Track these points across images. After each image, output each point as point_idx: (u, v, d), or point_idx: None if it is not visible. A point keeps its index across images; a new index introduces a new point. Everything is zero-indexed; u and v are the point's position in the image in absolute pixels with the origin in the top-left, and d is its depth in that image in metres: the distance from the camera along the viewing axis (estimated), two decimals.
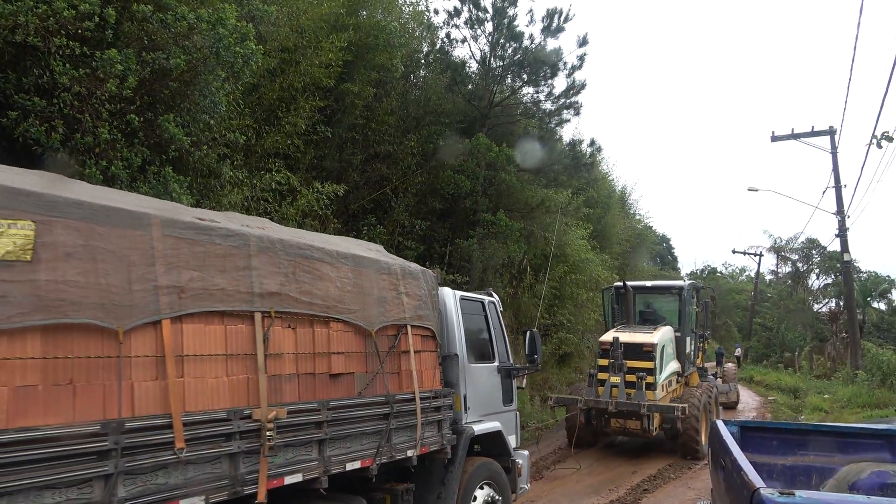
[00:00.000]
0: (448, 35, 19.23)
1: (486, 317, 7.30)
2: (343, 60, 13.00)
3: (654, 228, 43.78)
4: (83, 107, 7.14)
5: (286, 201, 11.13)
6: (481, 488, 6.53)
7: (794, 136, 22.85)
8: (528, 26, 19.40)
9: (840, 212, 22.19)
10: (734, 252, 46.56)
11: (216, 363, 3.95)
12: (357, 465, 4.87)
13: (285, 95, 12.11)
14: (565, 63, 18.94)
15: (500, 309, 7.69)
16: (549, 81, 19.44)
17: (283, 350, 4.42)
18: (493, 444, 6.96)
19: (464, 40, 19.24)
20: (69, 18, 6.51)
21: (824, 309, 41.02)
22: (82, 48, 6.88)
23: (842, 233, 22.13)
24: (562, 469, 12.08)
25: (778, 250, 43.23)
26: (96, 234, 3.37)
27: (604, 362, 13.28)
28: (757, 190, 32.44)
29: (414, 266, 6.14)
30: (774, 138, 23.24)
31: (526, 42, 18.89)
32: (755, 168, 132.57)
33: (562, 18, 18.22)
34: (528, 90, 19.98)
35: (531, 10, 20.73)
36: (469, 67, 19.78)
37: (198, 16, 7.38)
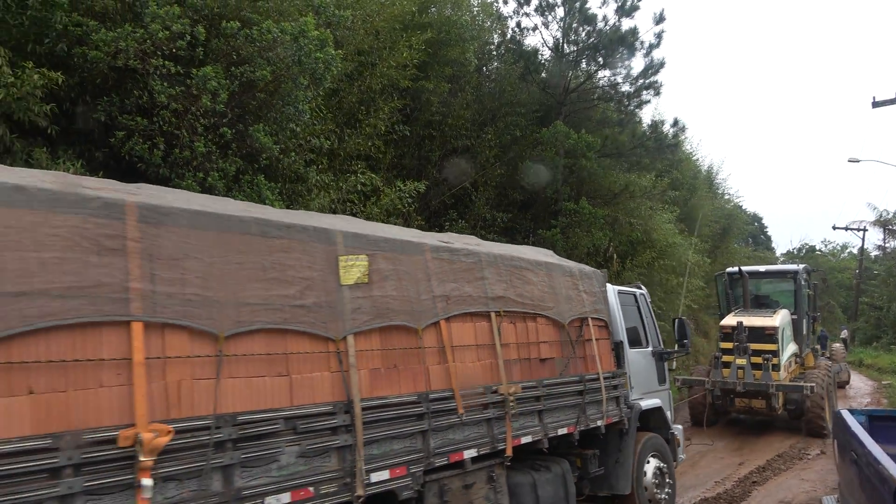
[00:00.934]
0: (518, 24, 19.01)
1: (638, 307, 8.27)
2: (417, 59, 13.10)
3: (744, 208, 41.82)
4: (180, 123, 7.51)
5: (370, 201, 11.32)
6: (651, 458, 7.55)
7: None
8: (601, 8, 18.84)
9: None
10: (835, 228, 43.52)
11: (471, 351, 5.26)
12: (565, 430, 6.13)
13: (364, 98, 12.32)
14: (642, 42, 18.33)
15: (648, 300, 8.65)
16: (626, 63, 18.90)
17: (508, 341, 5.69)
18: (655, 419, 7.94)
19: (535, 28, 18.97)
20: (163, 40, 6.85)
21: None
22: (176, 67, 7.23)
23: None
24: (693, 445, 12.71)
25: (884, 224, 40.17)
26: (399, 261, 4.74)
27: (727, 345, 13.89)
28: (858, 161, 30.16)
29: (587, 268, 7.35)
30: (876, 104, 21.65)
31: (599, 24, 18.44)
32: (854, 138, 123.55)
33: None
34: (604, 73, 19.49)
35: None
36: (542, 55, 19.48)
37: (281, 29, 7.60)
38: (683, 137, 18.75)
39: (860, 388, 21.20)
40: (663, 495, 7.58)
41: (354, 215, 10.89)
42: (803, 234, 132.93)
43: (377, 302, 4.46)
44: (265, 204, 7.69)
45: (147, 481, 2.97)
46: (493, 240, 16.31)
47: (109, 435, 2.94)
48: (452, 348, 5.03)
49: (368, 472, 4.07)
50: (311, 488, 3.73)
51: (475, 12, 17.69)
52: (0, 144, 6.68)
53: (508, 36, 19.05)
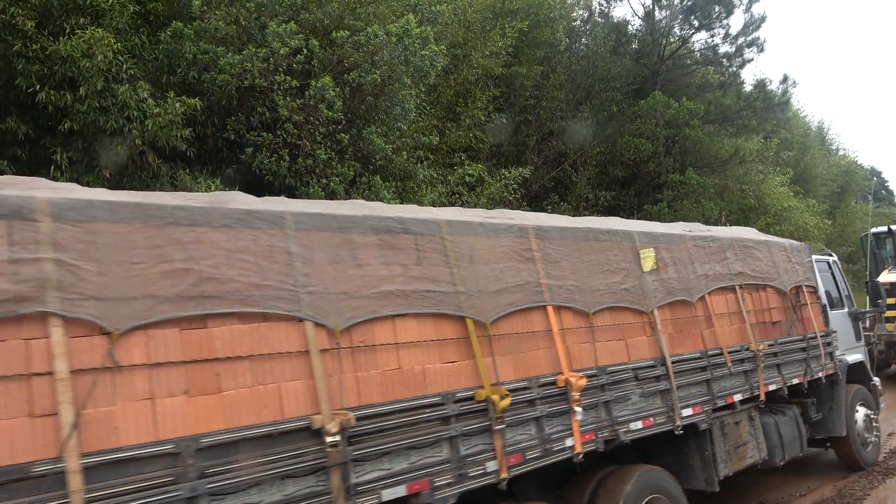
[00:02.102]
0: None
1: (832, 273, 9.13)
2: (510, 46, 13.09)
3: (860, 163, 38.85)
4: (301, 133, 7.92)
5: (475, 191, 11.47)
6: (860, 406, 8.43)
7: None
8: None
9: None
10: None
11: (726, 318, 6.36)
12: (797, 380, 7.19)
13: (461, 90, 12.48)
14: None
15: (839, 266, 9.49)
16: (724, 21, 18.02)
17: (748, 308, 6.73)
18: (858, 372, 8.81)
19: None
20: (284, 56, 7.26)
21: None
22: (295, 82, 7.63)
23: None
24: None
25: None
26: (672, 250, 5.90)
27: (892, 301, 14.23)
28: None
29: (795, 242, 8.46)
30: None
31: None
32: None
33: None
34: (699, 36, 18.70)
35: None
36: (632, 26, 18.96)
37: (386, 31, 7.85)
38: (791, 93, 17.58)
39: None
40: (872, 438, 8.61)
41: (463, 205, 11.08)
42: None
43: (665, 283, 5.71)
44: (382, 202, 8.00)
45: (578, 409, 4.45)
46: None
47: (551, 378, 4.43)
48: (715, 316, 6.24)
49: (682, 409, 5.41)
50: (651, 419, 5.14)
51: None
52: (149, 170, 7.32)
53: (596, 10, 18.65)
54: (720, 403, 5.93)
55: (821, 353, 7.79)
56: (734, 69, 18.26)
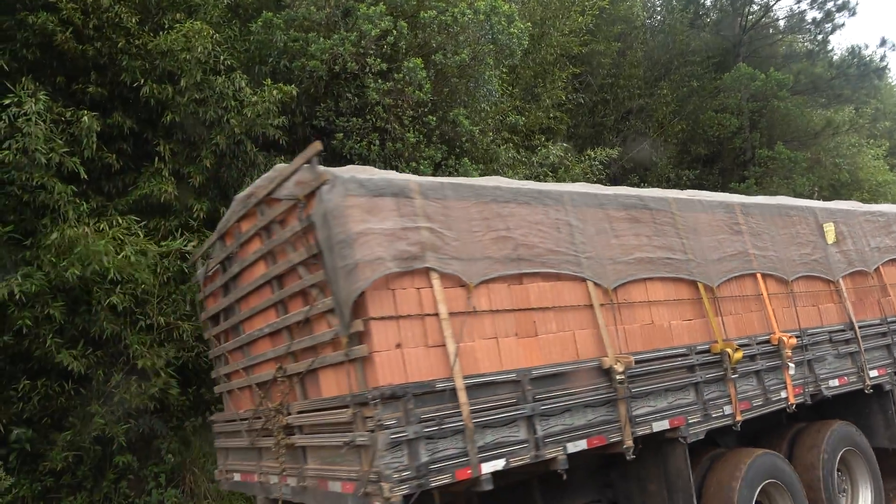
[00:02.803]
0: None
1: None
2: (586, 25, 12.74)
3: None
4: (389, 117, 7.89)
5: (559, 173, 11.21)
6: None
7: None
8: None
9: None
10: None
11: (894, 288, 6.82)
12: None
13: (539, 71, 12.22)
14: None
15: None
16: None
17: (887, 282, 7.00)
18: None
19: None
20: (374, 38, 7.24)
21: None
22: (382, 64, 7.60)
23: None
24: None
25: None
26: (848, 224, 6.39)
27: None
28: None
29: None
30: None
31: None
32: None
33: None
34: (785, 2, 17.75)
35: None
36: None
37: (474, 10, 7.72)
38: (888, 58, 16.40)
39: None
40: None
41: None
42: None
43: (846, 255, 6.20)
44: None
45: (791, 364, 5.11)
46: None
47: (765, 337, 5.14)
48: (890, 286, 6.68)
49: (869, 370, 5.87)
50: (846, 378, 5.69)
51: None
52: (246, 159, 7.44)
53: None
54: None
55: None
56: (823, 36, 17.21)
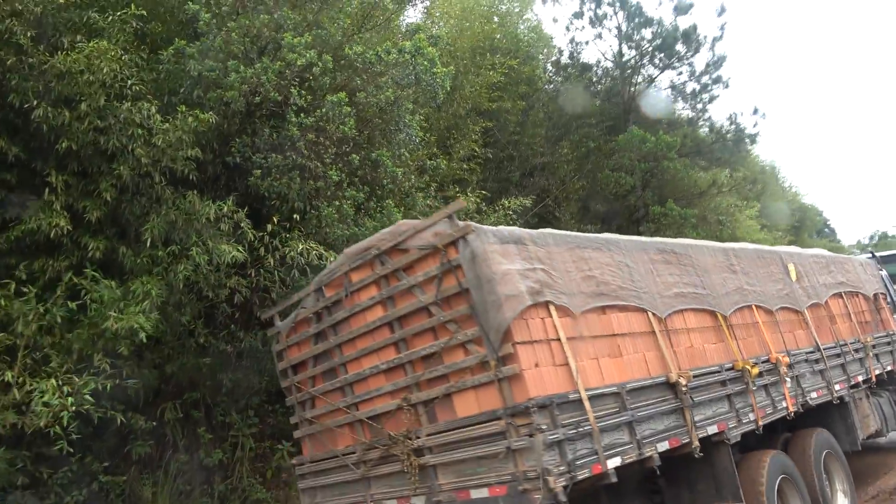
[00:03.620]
0: (573, 40, 19.03)
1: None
2: (495, 82, 13.14)
3: (805, 202, 40.45)
4: (311, 154, 7.53)
5: (475, 220, 11.17)
6: None
7: None
8: (657, 8, 18.71)
9: None
10: None
11: (841, 318, 8.29)
12: (890, 367, 8.99)
13: (452, 123, 12.34)
14: (704, 37, 18.05)
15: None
16: (690, 60, 18.58)
17: (852, 310, 8.68)
18: None
19: (588, 42, 18.99)
20: (300, 68, 6.93)
21: None
22: (307, 96, 7.29)
23: None
24: None
25: None
26: (803, 265, 7.95)
27: None
28: None
29: (864, 259, 10.64)
30: None
31: (655, 28, 18.27)
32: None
33: None
34: (668, 75, 19.24)
35: None
36: (601, 66, 19.36)
37: (399, 49, 7.64)
38: (756, 131, 18.03)
39: None
40: None
41: None
42: (870, 224, 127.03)
43: (805, 290, 7.55)
44: None
45: (788, 379, 6.18)
46: None
47: (765, 357, 6.15)
48: (836, 316, 7.98)
49: (834, 384, 7.12)
50: (821, 391, 6.81)
51: (535, 33, 17.75)
52: (152, 194, 6.79)
53: (566, 53, 19.05)
54: (852, 382, 7.57)
55: None
56: (702, 104, 18.77)
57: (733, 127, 17.42)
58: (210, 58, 7.12)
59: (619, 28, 18.62)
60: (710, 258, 6.21)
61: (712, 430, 5.04)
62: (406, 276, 4.61)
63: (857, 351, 8.02)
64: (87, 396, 5.52)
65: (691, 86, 18.85)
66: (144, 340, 5.88)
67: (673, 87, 19.34)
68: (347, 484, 5.18)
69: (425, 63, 7.92)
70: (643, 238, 5.82)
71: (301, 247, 6.81)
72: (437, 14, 14.60)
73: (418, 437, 4.46)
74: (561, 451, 3.84)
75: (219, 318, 7.71)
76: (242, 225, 6.70)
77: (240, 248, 6.54)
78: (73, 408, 5.35)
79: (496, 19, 15.09)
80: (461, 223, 4.25)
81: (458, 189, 12.30)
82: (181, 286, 6.54)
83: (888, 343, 9.32)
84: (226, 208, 6.62)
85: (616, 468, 4.13)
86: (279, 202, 7.61)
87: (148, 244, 6.45)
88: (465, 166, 12.35)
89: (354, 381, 5.09)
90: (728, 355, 5.72)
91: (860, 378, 7.81)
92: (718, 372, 5.43)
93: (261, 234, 6.97)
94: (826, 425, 6.96)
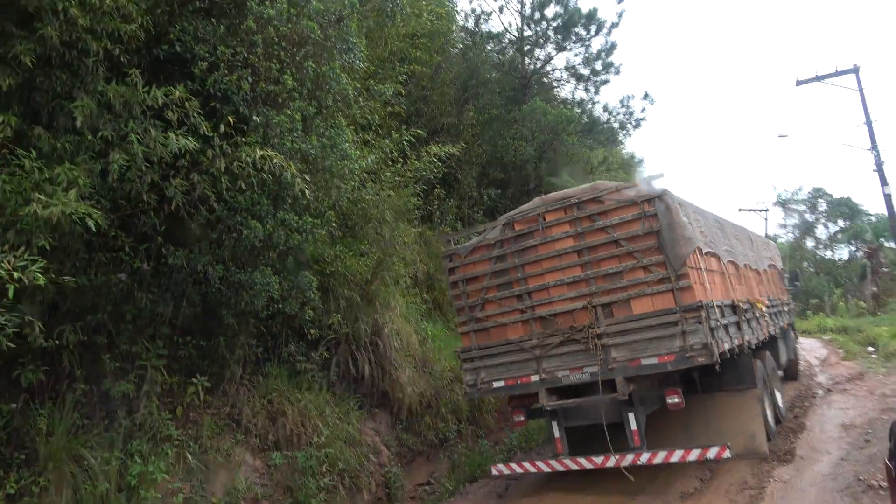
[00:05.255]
0: (474, 11, 19.12)
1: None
2: (417, 32, 12.80)
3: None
4: (265, 54, 6.80)
5: (403, 166, 10.81)
6: (796, 346, 15.04)
7: (818, 78, 23.07)
8: None
9: (874, 147, 22.40)
10: (740, 210, 46.82)
11: (757, 283, 11.08)
12: (783, 325, 12.35)
13: (377, 65, 11.85)
14: (603, 23, 18.86)
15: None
16: (587, 43, 19.33)
17: (762, 278, 11.49)
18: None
19: (492, 14, 19.09)
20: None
21: (835, 256, 41.74)
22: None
23: (879, 166, 22.33)
24: None
25: (783, 203, 43.70)
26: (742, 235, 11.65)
27: None
28: (785, 135, 32.65)
29: (763, 237, 14.26)
30: (799, 82, 23.40)
31: (557, 8, 18.81)
32: (767, 120, 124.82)
33: None
34: (563, 55, 19.92)
35: None
36: (505, 39, 19.62)
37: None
38: (643, 115, 19.25)
39: (809, 344, 22.53)
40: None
41: (393, 176, 10.41)
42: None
43: (759, 258, 11.42)
44: None
45: (768, 315, 10.22)
46: (479, 220, 16.28)
47: (751, 302, 9.33)
48: (770, 281, 11.57)
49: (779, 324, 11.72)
50: (777, 327, 11.30)
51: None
52: (83, 67, 5.77)
53: (473, 19, 19.10)
54: (781, 326, 11.43)
55: (786, 311, 13.12)
56: (595, 87, 19.68)
57: (624, 109, 18.43)
58: None
59: (521, 2, 18.97)
60: (731, 229, 9.89)
61: (747, 340, 8.11)
62: (600, 219, 7.20)
63: (781, 306, 11.86)
64: None
65: (584, 70, 19.69)
66: (95, 230, 4.98)
67: (568, 67, 20.13)
68: (515, 363, 7.63)
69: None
70: (706, 210, 8.75)
71: (259, 153, 6.12)
72: None
73: (599, 327, 7.11)
74: (715, 336, 6.72)
75: (140, 229, 6.76)
76: (194, 116, 5.88)
77: (189, 138, 5.73)
78: None
79: None
80: (657, 186, 7.07)
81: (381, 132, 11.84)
82: (116, 178, 5.63)
83: (785, 305, 13.17)
84: (176, 94, 5.77)
85: (720, 352, 6.74)
86: (220, 104, 6.80)
87: (78, 125, 5.47)
88: (389, 109, 11.91)
89: (536, 290, 7.60)
90: (744, 295, 8.84)
91: (781, 325, 11.54)
92: (746, 303, 8.58)
93: (212, 134, 6.16)
94: (765, 353, 9.66)
